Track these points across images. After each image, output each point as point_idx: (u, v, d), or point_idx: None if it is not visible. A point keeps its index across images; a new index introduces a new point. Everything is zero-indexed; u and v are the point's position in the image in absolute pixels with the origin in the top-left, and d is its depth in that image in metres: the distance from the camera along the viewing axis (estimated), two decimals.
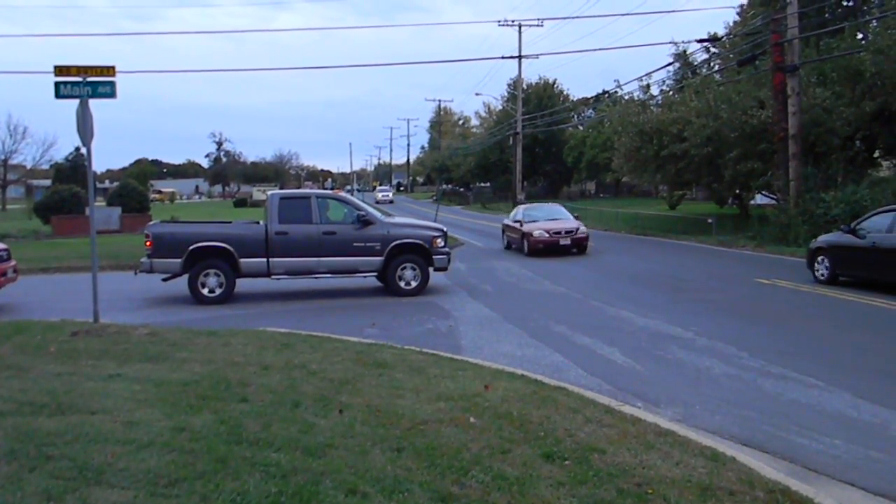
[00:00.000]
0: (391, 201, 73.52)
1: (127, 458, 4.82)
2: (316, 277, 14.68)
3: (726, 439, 6.08)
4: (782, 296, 13.85)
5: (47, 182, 54.35)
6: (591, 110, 62.78)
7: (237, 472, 4.64)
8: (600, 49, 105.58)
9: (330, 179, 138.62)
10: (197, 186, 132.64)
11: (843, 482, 5.30)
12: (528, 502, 4.42)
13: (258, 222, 15.01)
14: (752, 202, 32.21)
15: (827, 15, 28.15)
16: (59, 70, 10.12)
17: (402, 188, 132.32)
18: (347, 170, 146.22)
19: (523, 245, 22.75)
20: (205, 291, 13.84)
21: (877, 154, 27.11)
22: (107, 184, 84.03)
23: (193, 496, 4.27)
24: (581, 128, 63.81)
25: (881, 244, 13.74)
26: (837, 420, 6.61)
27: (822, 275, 15.20)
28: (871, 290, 13.73)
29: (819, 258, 15.38)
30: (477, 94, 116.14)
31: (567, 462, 5.06)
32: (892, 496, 5.05)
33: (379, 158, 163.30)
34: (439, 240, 14.84)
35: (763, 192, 28.07)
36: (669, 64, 38.85)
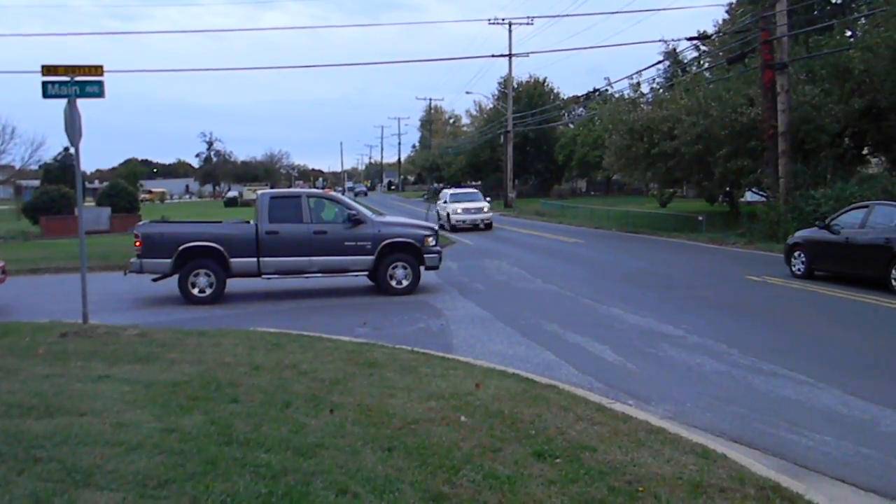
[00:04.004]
0: (488, 222, 33.04)
1: (116, 459, 4.79)
2: (307, 277, 14.64)
3: (717, 436, 6.10)
4: (772, 293, 13.90)
5: (36, 182, 53.96)
6: (581, 108, 62.86)
7: (227, 473, 4.61)
8: (590, 47, 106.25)
9: (321, 178, 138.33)
10: (187, 186, 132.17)
11: (833, 478, 5.33)
12: (520, 501, 4.42)
13: (248, 222, 14.96)
14: (742, 199, 32.32)
15: (815, 12, 28.26)
16: (47, 70, 10.03)
17: (392, 187, 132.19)
18: (338, 169, 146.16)
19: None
20: (195, 291, 13.78)
21: (866, 151, 27.27)
22: (96, 184, 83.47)
23: (183, 497, 4.25)
24: (572, 126, 63.88)
25: (854, 239, 14.07)
26: (828, 417, 6.64)
27: (799, 269, 15.50)
28: (854, 285, 13.81)
29: (796, 253, 15.71)
30: (468, 93, 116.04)
31: (558, 460, 5.07)
32: (882, 492, 5.08)
33: (370, 157, 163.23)
34: (430, 238, 14.82)
35: (753, 190, 28.16)
36: (659, 62, 38.94)
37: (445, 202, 34.69)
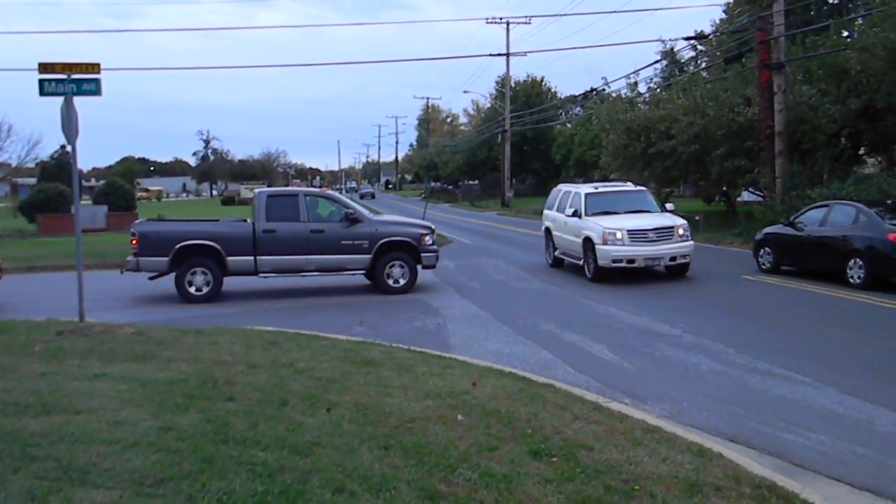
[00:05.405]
0: (685, 260, 15.57)
1: (112, 458, 4.79)
2: (304, 276, 14.64)
3: (713, 435, 6.11)
4: (768, 292, 13.91)
5: (33, 180, 53.84)
6: (578, 108, 62.83)
7: (224, 471, 4.61)
8: (588, 47, 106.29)
9: (319, 177, 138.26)
10: (184, 185, 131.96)
11: (829, 478, 5.34)
12: (516, 499, 4.42)
13: (245, 220, 14.96)
14: (738, 199, 32.34)
15: (812, 13, 28.27)
16: (44, 67, 10.03)
17: (390, 186, 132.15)
18: (336, 167, 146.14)
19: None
20: (192, 290, 13.77)
21: (862, 151, 27.27)
22: (93, 182, 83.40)
23: (179, 496, 4.25)
24: (569, 125, 63.90)
25: (814, 236, 14.89)
26: (823, 416, 6.65)
27: (766, 264, 16.24)
28: (849, 285, 13.84)
29: (763, 249, 16.47)
30: (465, 92, 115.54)
31: (554, 459, 5.07)
32: (877, 491, 5.09)
33: (367, 156, 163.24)
34: (427, 237, 14.83)
35: (750, 190, 28.17)
36: (657, 62, 38.93)
37: (576, 213, 16.59)
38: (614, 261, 15.11)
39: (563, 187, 19.31)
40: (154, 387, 6.68)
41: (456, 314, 12.13)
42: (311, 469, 4.70)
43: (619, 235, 15.12)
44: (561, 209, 17.81)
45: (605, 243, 15.14)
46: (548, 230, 18.85)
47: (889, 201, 15.75)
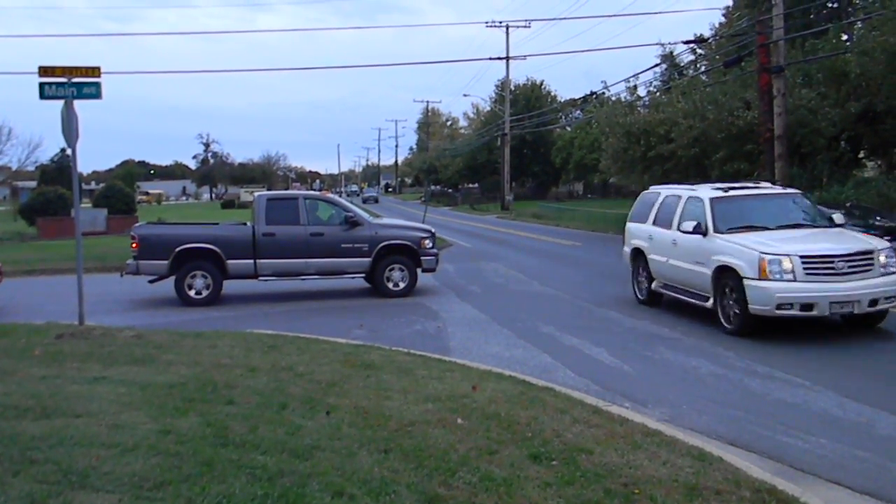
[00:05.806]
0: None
1: (112, 461, 4.79)
2: (303, 279, 14.65)
3: (713, 439, 6.10)
4: None
5: (33, 183, 53.96)
6: (578, 111, 62.83)
7: (223, 474, 4.62)
8: (587, 50, 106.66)
9: (318, 181, 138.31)
10: (184, 188, 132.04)
11: (829, 481, 5.33)
12: (516, 503, 4.42)
13: (245, 224, 14.97)
14: None
15: (812, 16, 28.31)
16: (44, 71, 10.02)
17: (390, 189, 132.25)
18: (336, 171, 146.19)
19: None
20: (191, 293, 13.77)
21: (862, 154, 27.28)
22: (93, 185, 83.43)
23: (179, 499, 4.25)
24: (569, 129, 63.95)
25: None
26: (823, 419, 6.65)
27: None
28: None
29: None
30: (465, 96, 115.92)
31: (554, 462, 5.07)
32: (877, 495, 5.09)
33: (367, 160, 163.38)
34: (427, 241, 14.83)
35: None
36: (656, 65, 38.96)
37: (698, 229, 10.80)
38: (780, 306, 9.45)
39: (663, 190, 13.29)
40: (153, 390, 6.68)
41: (456, 317, 12.13)
42: (311, 473, 4.70)
43: (786, 264, 9.48)
44: (663, 222, 12.26)
45: (763, 277, 9.50)
46: (637, 252, 13.10)
47: (848, 203, 16.22)
